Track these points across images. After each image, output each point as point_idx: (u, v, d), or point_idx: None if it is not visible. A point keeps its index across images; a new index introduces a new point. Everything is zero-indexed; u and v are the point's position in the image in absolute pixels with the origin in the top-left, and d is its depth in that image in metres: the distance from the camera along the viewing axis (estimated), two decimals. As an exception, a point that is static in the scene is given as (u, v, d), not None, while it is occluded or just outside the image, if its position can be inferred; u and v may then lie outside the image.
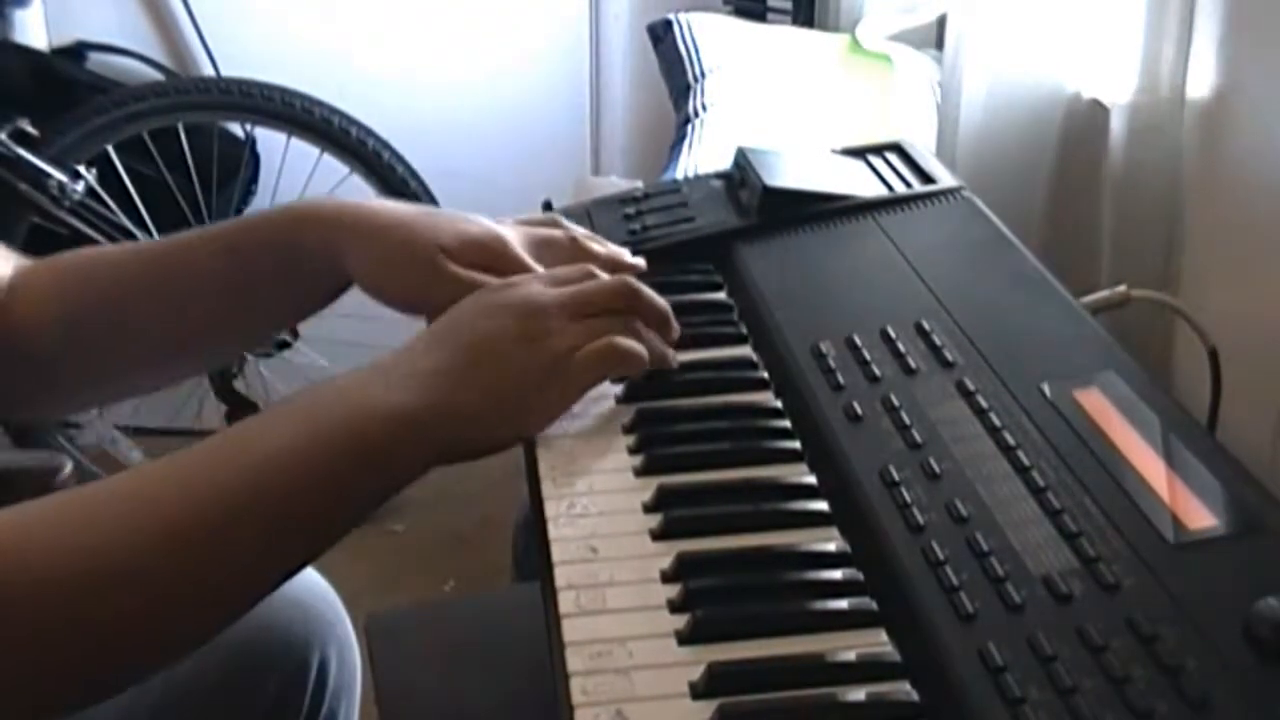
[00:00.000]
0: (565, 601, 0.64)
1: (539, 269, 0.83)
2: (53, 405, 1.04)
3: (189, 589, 0.64)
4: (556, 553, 0.68)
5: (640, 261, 0.92)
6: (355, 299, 0.89)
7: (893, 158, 1.05)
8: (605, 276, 0.80)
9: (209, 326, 0.88)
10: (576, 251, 0.86)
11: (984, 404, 0.74)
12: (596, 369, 0.75)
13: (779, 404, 0.80)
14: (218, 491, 0.64)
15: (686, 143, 1.69)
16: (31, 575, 0.60)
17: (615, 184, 1.94)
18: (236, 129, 2.35)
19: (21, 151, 2.11)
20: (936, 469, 0.69)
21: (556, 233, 0.88)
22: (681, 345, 0.85)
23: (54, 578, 0.61)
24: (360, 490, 0.68)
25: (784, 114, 1.70)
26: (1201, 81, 1.06)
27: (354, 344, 1.05)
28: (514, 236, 0.85)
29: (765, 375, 0.83)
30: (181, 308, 0.87)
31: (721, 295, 0.93)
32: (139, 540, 0.62)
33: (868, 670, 0.60)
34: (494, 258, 0.83)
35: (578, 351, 0.74)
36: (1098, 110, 1.20)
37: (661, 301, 0.81)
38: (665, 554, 0.67)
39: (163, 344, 0.89)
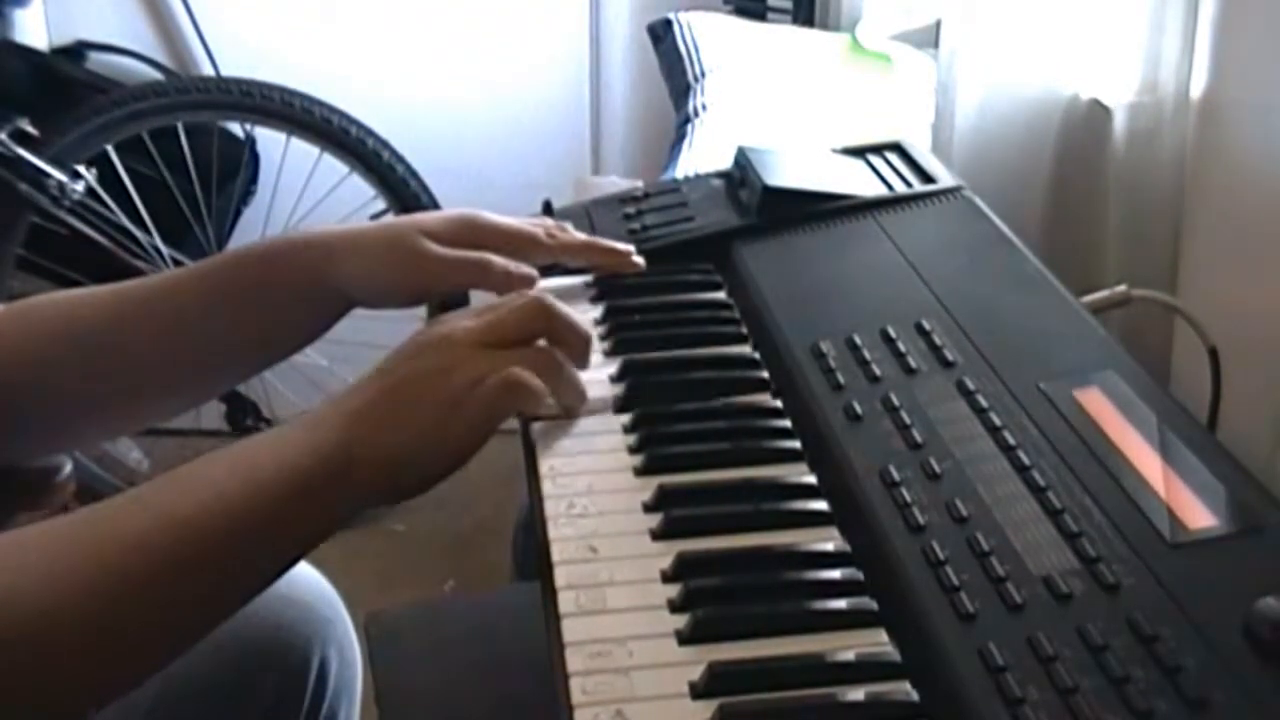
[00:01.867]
0: (565, 601, 0.64)
1: (524, 228, 0.87)
2: (44, 444, 1.03)
3: (122, 636, 0.63)
4: (556, 553, 0.68)
5: (640, 261, 0.92)
6: (351, 325, 0.89)
7: (893, 157, 1.05)
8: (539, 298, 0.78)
9: (205, 361, 0.88)
10: (555, 234, 0.89)
11: (984, 404, 0.74)
12: (494, 403, 0.72)
13: (779, 404, 0.80)
14: (152, 540, 0.64)
15: (686, 142, 1.69)
16: None
17: (615, 184, 1.94)
18: (236, 129, 2.35)
19: (21, 151, 2.11)
20: (936, 469, 0.69)
21: (545, 220, 0.90)
22: (681, 345, 0.85)
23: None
24: (298, 528, 0.68)
25: (784, 114, 1.70)
26: (1202, 82, 1.06)
27: (354, 344, 1.05)
28: (490, 214, 0.88)
29: (765, 375, 0.83)
30: (177, 343, 0.86)
31: (721, 295, 0.93)
32: (67, 588, 0.62)
33: (868, 670, 0.60)
34: (475, 230, 0.86)
35: (480, 385, 0.72)
36: (1098, 111, 1.20)
37: (581, 327, 0.78)
38: (665, 554, 0.67)
39: (158, 381, 0.88)
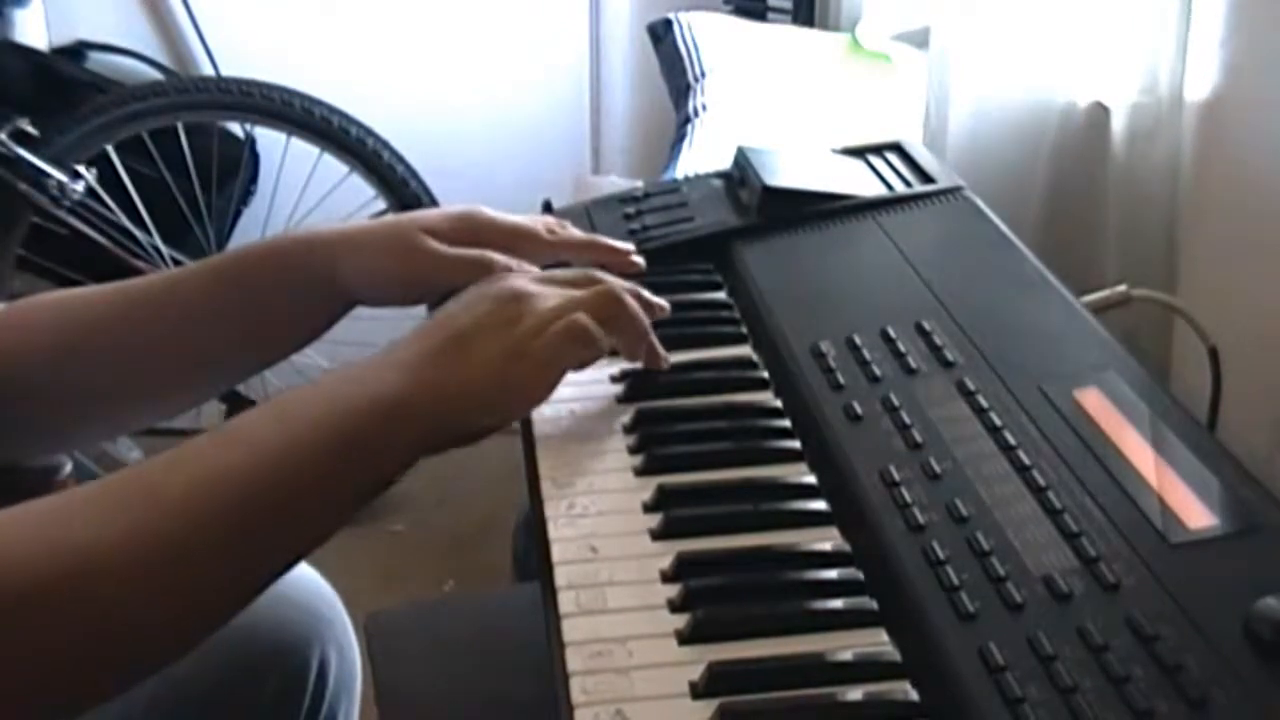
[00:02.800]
0: (565, 601, 0.64)
1: (525, 224, 0.87)
2: (45, 443, 1.03)
3: (180, 593, 0.63)
4: (556, 553, 0.68)
5: (639, 261, 0.92)
6: (354, 327, 0.89)
7: (893, 157, 1.05)
8: (608, 280, 0.80)
9: (208, 359, 0.88)
10: (555, 230, 0.89)
11: (984, 404, 0.74)
12: (559, 350, 0.73)
13: (779, 404, 0.80)
14: (207, 493, 0.64)
15: (686, 142, 1.69)
16: (18, 578, 0.59)
17: (615, 184, 1.94)
18: (236, 129, 2.35)
19: (21, 151, 2.11)
20: (936, 469, 0.69)
21: (545, 218, 0.90)
22: (681, 345, 0.85)
23: (42, 580, 0.60)
24: (348, 483, 0.68)
25: (784, 114, 1.70)
26: (1201, 82, 1.06)
27: (354, 344, 1.04)
28: (490, 210, 0.88)
29: (765, 375, 0.83)
30: (180, 341, 0.86)
31: (721, 295, 0.93)
32: (129, 542, 0.62)
33: (868, 670, 0.60)
34: (476, 227, 0.86)
35: (543, 333, 0.73)
36: (1097, 111, 1.20)
37: (640, 319, 0.79)
38: (665, 554, 0.67)
39: (160, 379, 0.88)
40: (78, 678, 0.61)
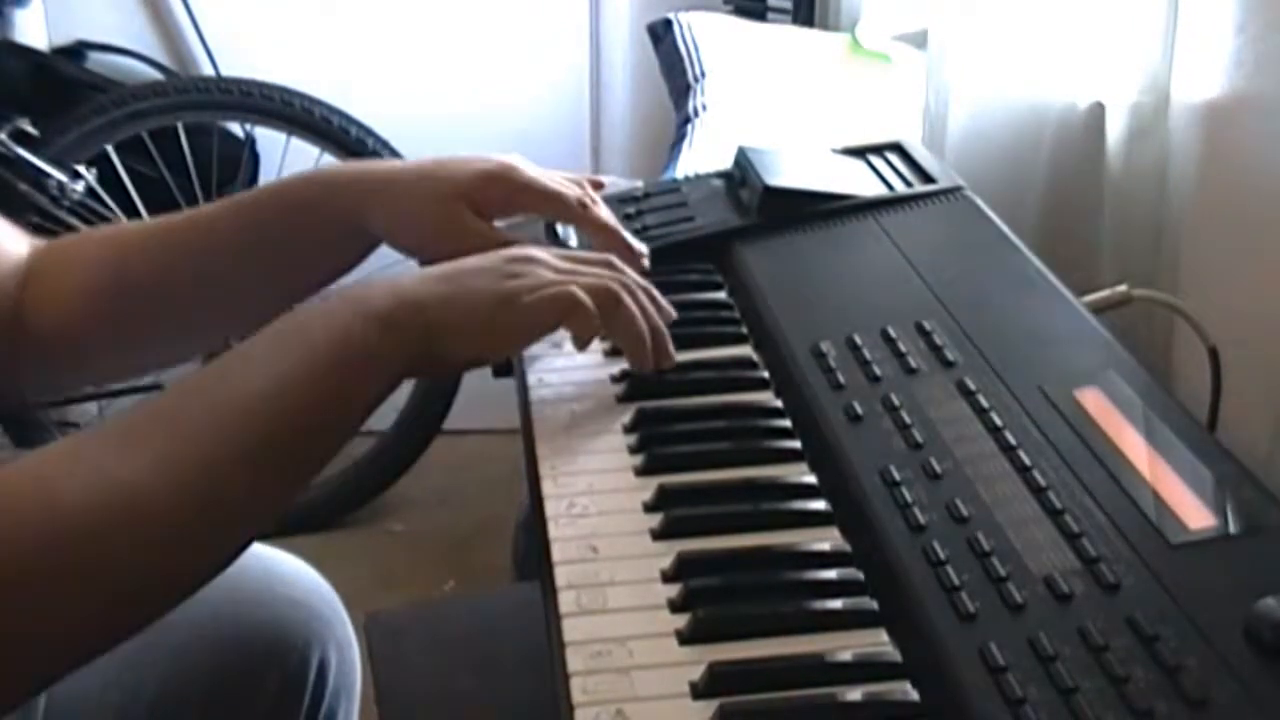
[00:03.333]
0: (565, 601, 0.64)
1: (557, 190, 0.89)
2: (85, 377, 1.06)
3: (201, 519, 0.65)
4: (556, 553, 0.68)
5: (645, 250, 0.92)
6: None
7: (893, 157, 1.05)
8: (619, 275, 0.81)
9: (238, 292, 0.90)
10: (586, 204, 0.90)
11: (984, 404, 0.74)
12: (545, 309, 0.76)
13: (779, 404, 0.80)
14: (212, 419, 0.66)
15: (686, 142, 1.69)
16: (51, 512, 0.61)
17: (615, 184, 1.94)
18: (236, 129, 2.35)
19: (21, 151, 2.11)
20: (937, 469, 0.69)
21: (582, 181, 0.92)
22: (681, 345, 0.85)
23: (71, 513, 0.61)
24: (347, 396, 0.70)
25: (784, 114, 1.70)
26: (1201, 82, 1.06)
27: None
28: (524, 163, 0.91)
29: (765, 375, 0.83)
30: (211, 275, 0.88)
31: (721, 295, 0.93)
32: (150, 478, 0.63)
33: (868, 670, 0.60)
34: (510, 189, 0.89)
35: (536, 291, 0.76)
36: (1096, 111, 1.20)
37: (640, 322, 0.80)
38: (665, 554, 0.67)
39: (196, 314, 0.91)
40: (124, 601, 0.63)
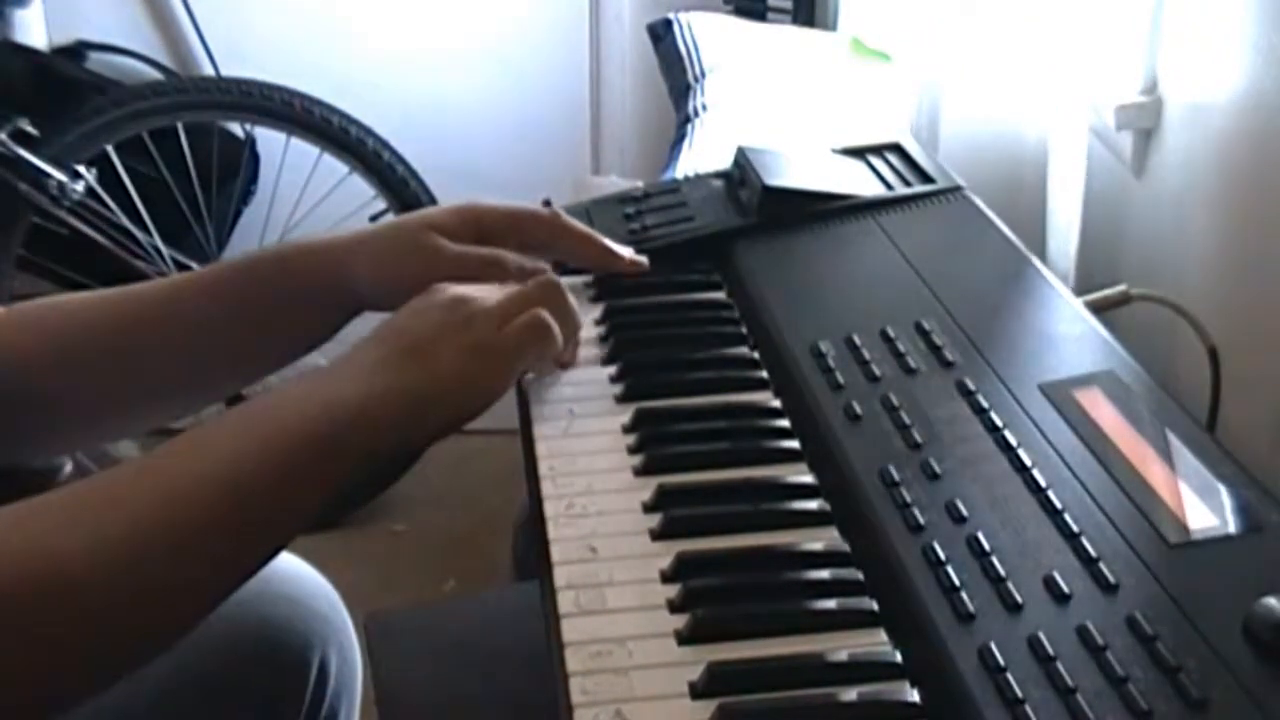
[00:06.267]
0: (565, 601, 0.64)
1: (524, 207, 0.88)
2: (45, 446, 1.04)
3: (145, 597, 0.64)
4: (556, 553, 0.68)
5: (642, 260, 0.92)
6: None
7: (893, 158, 1.05)
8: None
9: (211, 365, 0.88)
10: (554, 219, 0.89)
11: (984, 404, 0.74)
12: (522, 342, 0.75)
13: (779, 404, 0.80)
14: (168, 501, 0.65)
15: (686, 142, 1.69)
16: (43, 563, 0.61)
17: (615, 184, 1.94)
18: (236, 129, 2.35)
19: (21, 151, 2.11)
20: (936, 469, 0.69)
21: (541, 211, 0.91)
22: (681, 345, 0.85)
23: (11, 584, 0.61)
24: (306, 490, 0.69)
25: (784, 114, 1.70)
26: (1201, 82, 1.06)
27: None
28: (489, 200, 0.89)
29: (765, 375, 0.83)
30: (181, 348, 0.86)
31: (721, 295, 0.93)
32: (107, 547, 0.63)
33: (867, 670, 0.60)
34: (479, 218, 0.87)
35: (504, 328, 0.75)
36: (1095, 111, 1.20)
37: (578, 318, 0.81)
38: (665, 554, 0.67)
39: (160, 386, 0.88)
40: (55, 675, 0.62)
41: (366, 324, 0.90)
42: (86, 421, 0.90)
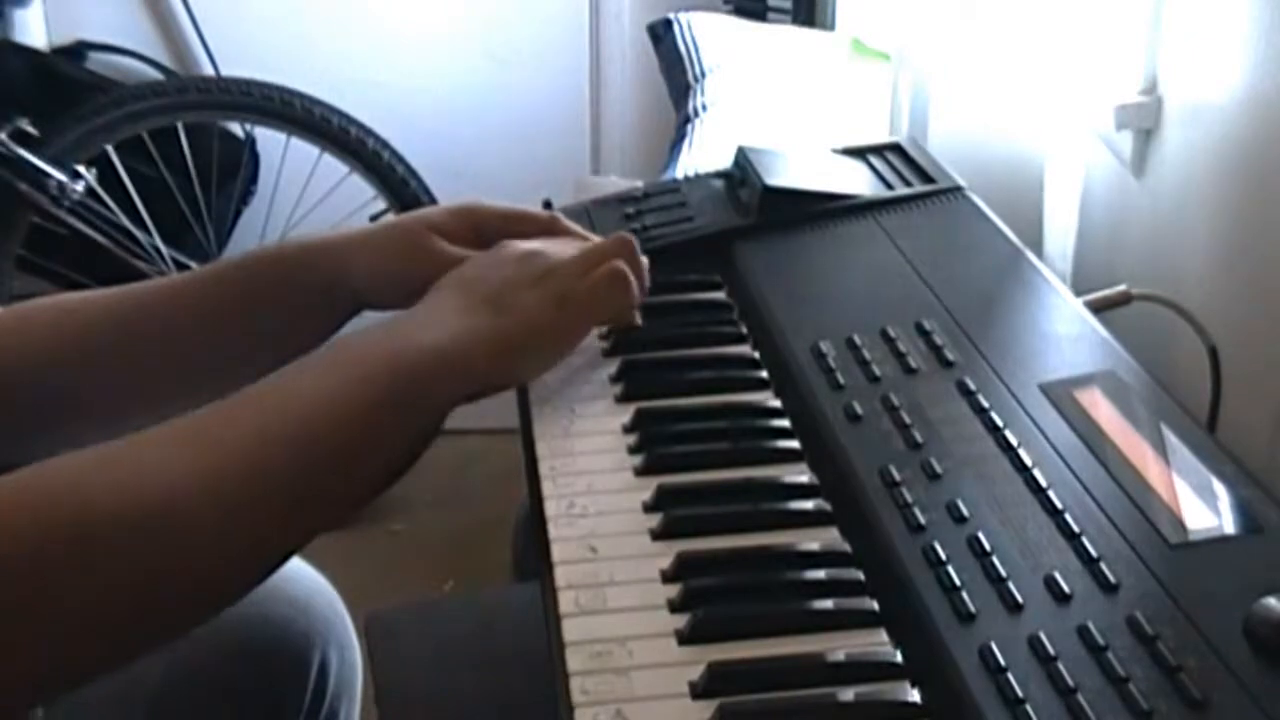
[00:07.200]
0: (565, 601, 0.64)
1: (522, 208, 0.89)
2: (46, 445, 1.04)
3: (236, 535, 0.64)
4: (556, 553, 0.68)
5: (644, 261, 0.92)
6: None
7: (893, 158, 1.05)
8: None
9: (209, 366, 0.88)
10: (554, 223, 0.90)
11: (984, 403, 0.74)
12: (604, 293, 0.78)
13: (779, 404, 0.80)
14: (263, 435, 0.66)
15: (686, 142, 1.69)
16: (82, 514, 0.61)
17: (615, 184, 1.94)
18: (236, 129, 2.35)
19: (21, 151, 2.11)
20: (937, 469, 0.69)
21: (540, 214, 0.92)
22: (681, 345, 0.85)
23: (103, 520, 0.61)
24: (398, 434, 0.71)
25: (784, 114, 1.70)
26: (1201, 82, 1.06)
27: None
28: (487, 201, 0.90)
29: (765, 375, 0.83)
30: (181, 349, 0.86)
31: (721, 295, 0.93)
32: (189, 487, 0.63)
33: (868, 670, 0.60)
34: (477, 218, 0.87)
35: (585, 278, 0.77)
36: (1095, 111, 1.20)
37: (646, 274, 0.83)
38: (665, 554, 0.67)
39: (159, 386, 0.88)
40: (147, 613, 0.63)
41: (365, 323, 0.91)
42: (85, 420, 0.90)
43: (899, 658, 0.60)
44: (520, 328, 0.74)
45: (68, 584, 0.60)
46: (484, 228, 0.87)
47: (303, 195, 2.29)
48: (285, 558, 0.68)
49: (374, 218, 2.18)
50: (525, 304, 0.75)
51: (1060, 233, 1.23)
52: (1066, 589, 0.60)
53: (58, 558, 0.59)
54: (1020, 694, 0.55)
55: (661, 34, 1.90)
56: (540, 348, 0.77)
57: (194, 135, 2.26)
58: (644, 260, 0.83)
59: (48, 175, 2.12)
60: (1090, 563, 0.62)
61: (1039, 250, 0.89)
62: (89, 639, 0.61)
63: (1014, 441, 0.71)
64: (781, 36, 1.92)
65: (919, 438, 0.72)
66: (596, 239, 0.92)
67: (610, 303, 0.79)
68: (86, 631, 0.61)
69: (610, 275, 0.78)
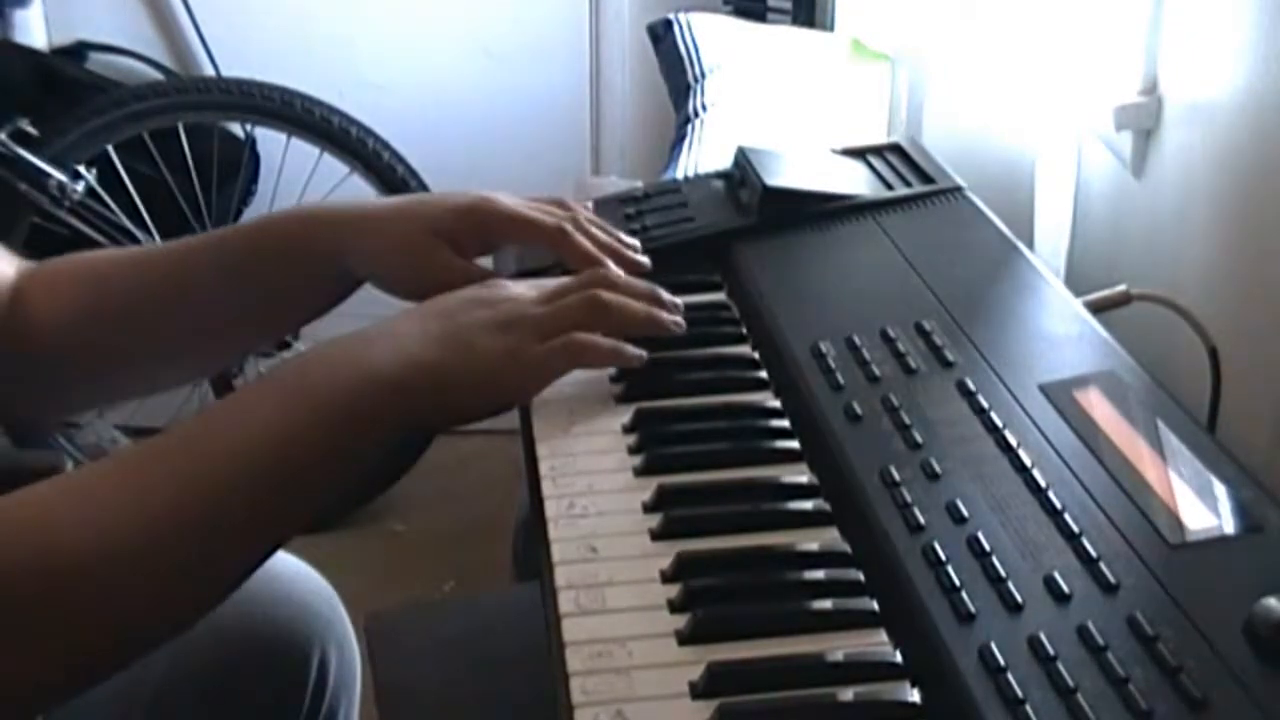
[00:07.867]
0: (565, 601, 0.64)
1: (535, 218, 0.87)
2: (58, 404, 1.06)
3: (192, 562, 0.66)
4: (556, 553, 0.68)
5: (646, 260, 0.92)
6: (355, 299, 0.90)
7: (893, 158, 1.05)
8: (604, 275, 0.82)
9: (219, 329, 0.90)
10: (568, 225, 0.89)
11: (984, 404, 0.74)
12: (553, 361, 0.77)
13: (779, 404, 0.80)
14: (215, 467, 0.67)
15: (686, 142, 1.69)
16: (48, 548, 0.62)
17: (615, 184, 1.94)
18: (236, 129, 2.35)
19: (21, 151, 2.11)
20: (936, 469, 0.69)
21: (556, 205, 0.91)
22: (681, 345, 0.85)
23: (69, 555, 0.62)
24: (350, 452, 0.71)
25: (784, 114, 1.70)
26: (1201, 81, 1.06)
27: (365, 316, 1.06)
28: (503, 196, 0.89)
29: (765, 375, 0.83)
30: (193, 311, 0.89)
31: (721, 295, 0.93)
32: (143, 519, 0.64)
33: (868, 670, 0.60)
34: (487, 222, 0.87)
35: (542, 343, 0.76)
36: (1095, 111, 1.20)
37: (639, 309, 0.81)
38: (665, 554, 0.67)
39: (173, 346, 0.91)
40: (119, 642, 0.64)
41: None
42: (94, 382, 0.92)
43: (898, 658, 0.60)
44: (465, 371, 0.74)
45: (34, 617, 0.61)
46: (490, 229, 0.87)
47: (303, 195, 2.29)
48: (246, 575, 0.69)
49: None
50: (480, 348, 0.74)
51: (1052, 232, 1.23)
52: (1066, 589, 0.60)
53: (24, 592, 0.61)
54: (1020, 694, 0.55)
55: (661, 34, 1.89)
56: (479, 392, 0.75)
57: (194, 135, 2.26)
58: (636, 281, 0.82)
59: (48, 175, 2.11)
60: (1090, 563, 0.62)
61: (1032, 249, 0.89)
62: (60, 666, 0.63)
63: (1014, 442, 0.71)
64: (781, 37, 1.91)
65: (919, 438, 0.72)
66: (616, 235, 0.91)
67: (558, 369, 0.78)
68: (56, 660, 0.62)
69: (563, 347, 0.76)
